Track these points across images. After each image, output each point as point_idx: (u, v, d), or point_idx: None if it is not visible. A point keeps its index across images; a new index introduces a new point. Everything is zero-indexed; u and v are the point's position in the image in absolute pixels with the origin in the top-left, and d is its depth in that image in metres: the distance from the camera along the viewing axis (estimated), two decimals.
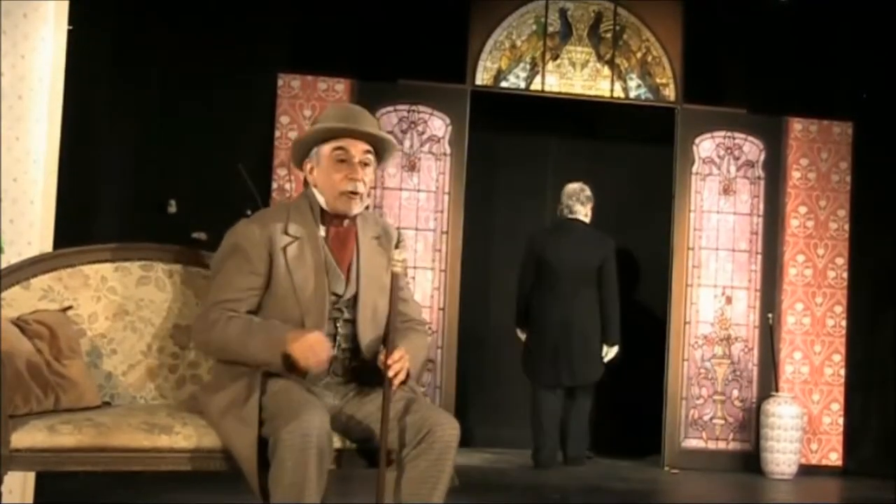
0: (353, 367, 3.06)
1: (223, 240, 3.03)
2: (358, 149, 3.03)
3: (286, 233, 2.99)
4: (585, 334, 6.38)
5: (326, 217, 3.06)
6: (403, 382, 2.93)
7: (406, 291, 3.22)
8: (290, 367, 2.86)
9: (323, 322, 2.96)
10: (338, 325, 2.99)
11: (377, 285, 3.04)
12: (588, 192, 6.53)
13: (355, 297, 3.03)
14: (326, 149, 3.03)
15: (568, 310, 6.36)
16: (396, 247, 3.06)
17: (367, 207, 3.15)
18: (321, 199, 3.05)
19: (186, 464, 2.92)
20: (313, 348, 2.84)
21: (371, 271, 3.06)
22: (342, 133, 3.02)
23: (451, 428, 2.86)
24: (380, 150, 3.11)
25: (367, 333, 3.01)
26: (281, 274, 2.96)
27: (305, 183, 3.11)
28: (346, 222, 3.07)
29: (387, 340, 2.97)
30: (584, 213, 6.51)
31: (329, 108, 3.19)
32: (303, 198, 3.10)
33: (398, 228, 3.33)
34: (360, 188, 3.01)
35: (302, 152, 3.10)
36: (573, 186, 6.52)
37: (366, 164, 3.04)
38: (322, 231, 3.05)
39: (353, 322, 3.01)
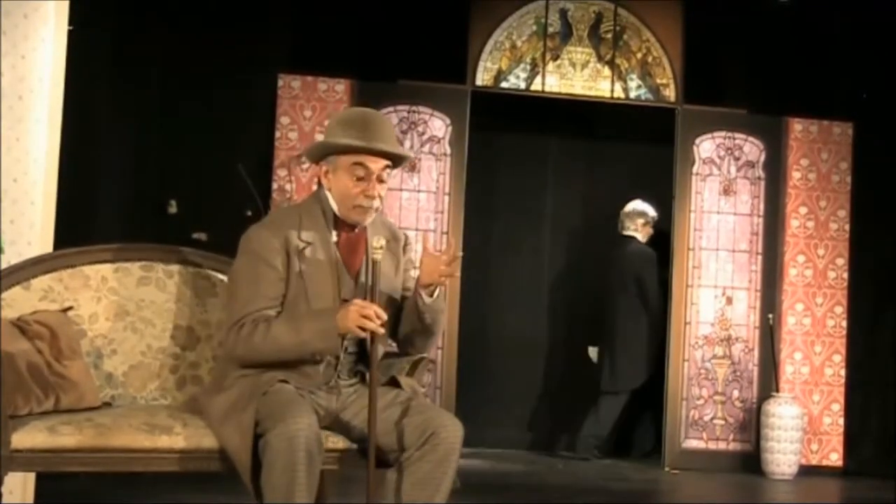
0: (359, 370, 3.07)
1: (239, 248, 3.02)
2: (378, 165, 3.02)
3: (300, 238, 3.00)
4: (621, 343, 6.84)
5: (338, 222, 3.06)
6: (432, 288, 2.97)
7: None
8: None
9: None
10: None
11: (386, 289, 3.04)
12: (641, 208, 7.02)
13: None
14: (345, 161, 3.01)
15: (611, 320, 6.91)
16: (401, 247, 3.15)
17: None
18: (334, 206, 3.05)
19: (187, 464, 2.92)
20: (361, 311, 2.84)
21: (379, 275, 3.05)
22: (363, 150, 3.00)
23: (455, 430, 2.87)
24: (397, 160, 3.11)
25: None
26: (294, 279, 2.97)
27: (319, 183, 3.10)
28: (356, 229, 3.08)
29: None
30: (633, 228, 7.03)
31: (350, 114, 3.14)
32: (314, 200, 3.10)
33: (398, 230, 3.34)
34: (376, 204, 3.04)
35: (319, 155, 3.08)
36: (629, 204, 7.02)
37: (382, 180, 3.04)
38: (334, 236, 3.05)
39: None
